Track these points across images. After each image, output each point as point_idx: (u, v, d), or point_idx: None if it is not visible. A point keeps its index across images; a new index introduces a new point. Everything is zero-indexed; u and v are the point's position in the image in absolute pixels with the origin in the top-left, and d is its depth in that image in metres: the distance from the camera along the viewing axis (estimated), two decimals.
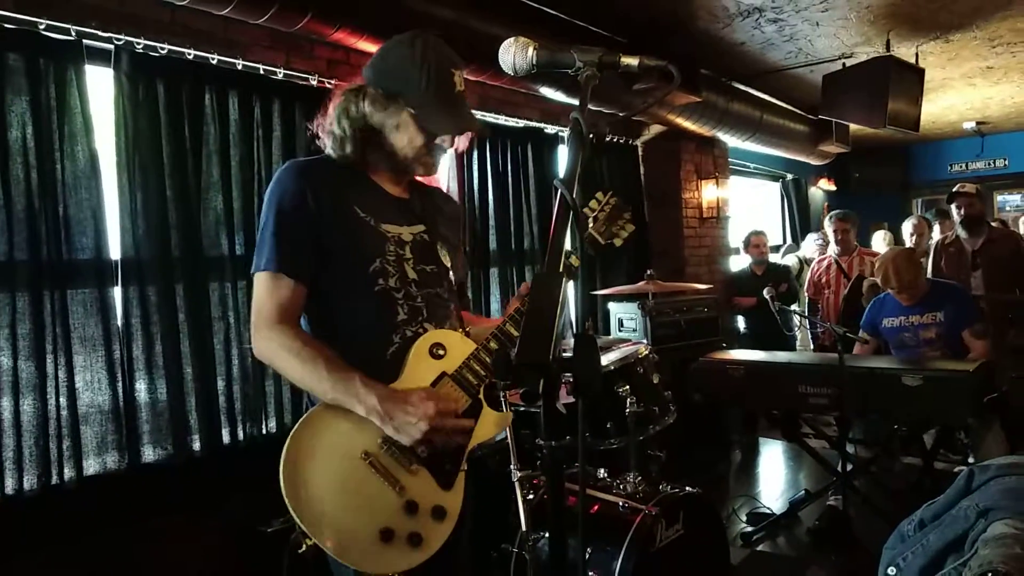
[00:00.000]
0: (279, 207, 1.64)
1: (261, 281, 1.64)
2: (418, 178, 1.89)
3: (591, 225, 1.93)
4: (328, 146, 1.75)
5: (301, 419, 1.58)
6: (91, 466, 2.92)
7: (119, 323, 2.99)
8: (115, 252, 2.99)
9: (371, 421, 1.56)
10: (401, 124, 1.69)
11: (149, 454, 3.09)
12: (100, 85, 3.00)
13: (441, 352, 1.68)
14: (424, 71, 1.65)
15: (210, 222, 3.29)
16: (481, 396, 1.70)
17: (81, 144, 2.86)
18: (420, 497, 1.60)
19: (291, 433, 1.56)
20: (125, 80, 2.97)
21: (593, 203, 1.96)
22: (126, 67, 2.97)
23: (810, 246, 7.24)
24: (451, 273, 1.83)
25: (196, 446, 3.22)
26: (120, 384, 2.98)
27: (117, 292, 3.00)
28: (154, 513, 3.02)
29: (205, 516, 3.15)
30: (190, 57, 3.15)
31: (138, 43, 2.99)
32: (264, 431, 3.46)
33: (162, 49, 3.07)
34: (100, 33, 2.89)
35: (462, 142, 1.82)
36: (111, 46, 2.93)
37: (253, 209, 3.41)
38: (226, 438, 3.34)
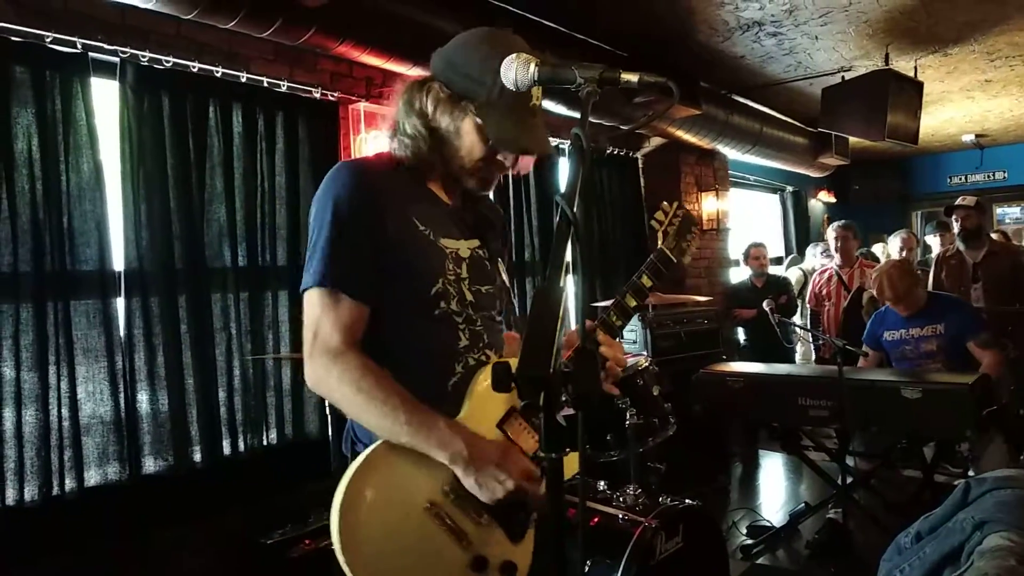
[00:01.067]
0: (336, 213, 1.44)
1: (316, 299, 1.43)
2: None
3: (661, 240, 1.77)
4: (397, 147, 1.55)
5: (358, 463, 1.38)
6: (92, 477, 2.93)
7: (122, 334, 3.01)
8: (119, 263, 3.02)
9: (436, 466, 1.39)
10: (463, 130, 1.51)
11: (150, 465, 3.09)
12: (105, 97, 3.03)
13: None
14: (490, 62, 1.43)
15: (213, 234, 3.31)
16: None
17: (86, 156, 2.88)
18: (488, 551, 1.44)
19: (347, 479, 1.36)
20: (130, 92, 3.00)
21: (660, 215, 1.80)
22: (131, 80, 3.00)
23: (814, 258, 7.25)
24: (505, 295, 1.67)
25: (197, 457, 3.23)
26: (122, 395, 2.99)
27: (120, 303, 3.02)
28: (155, 524, 3.02)
29: (205, 527, 3.15)
30: (195, 70, 3.18)
31: (143, 56, 3.02)
32: (265, 442, 3.46)
33: (167, 62, 3.09)
34: (105, 46, 2.92)
35: (525, 164, 1.65)
36: (116, 59, 2.97)
37: (256, 221, 3.44)
38: (227, 449, 3.34)
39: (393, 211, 1.48)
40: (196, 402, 3.21)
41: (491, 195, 1.77)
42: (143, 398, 3.08)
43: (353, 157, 1.58)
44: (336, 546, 1.32)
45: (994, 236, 5.86)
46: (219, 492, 3.23)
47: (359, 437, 1.54)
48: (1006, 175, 9.47)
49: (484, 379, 1.49)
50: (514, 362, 1.50)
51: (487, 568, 1.43)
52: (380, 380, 1.41)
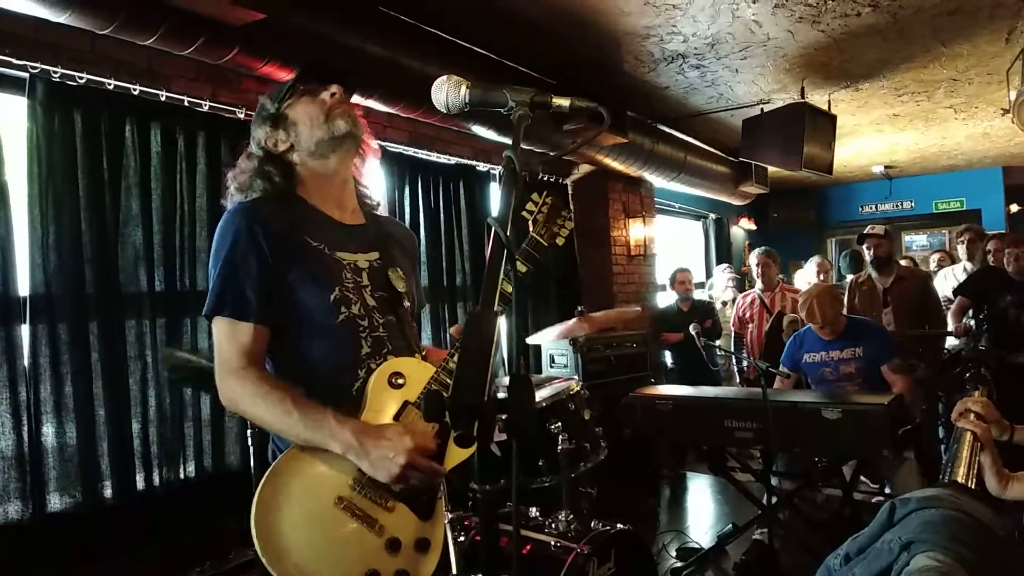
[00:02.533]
0: (230, 248, 1.59)
1: (219, 327, 1.59)
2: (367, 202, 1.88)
3: (531, 228, 1.88)
4: (252, 188, 1.73)
5: (268, 471, 1.50)
6: None
7: (26, 363, 2.83)
8: (23, 288, 2.84)
9: (341, 464, 1.51)
10: (292, 118, 1.72)
11: (56, 502, 2.90)
12: (13, 114, 2.87)
13: (400, 381, 1.62)
14: (279, 86, 1.77)
15: (128, 257, 3.17)
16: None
17: None
18: (401, 533, 1.55)
19: (258, 489, 1.47)
20: (40, 109, 2.86)
21: (530, 205, 1.90)
22: (41, 96, 2.86)
23: (723, 279, 7.49)
24: (406, 300, 1.78)
25: (108, 493, 3.05)
26: (26, 428, 2.81)
27: (25, 330, 2.84)
28: (61, 565, 2.83)
29: (117, 568, 2.97)
30: (110, 87, 3.06)
31: (55, 72, 2.89)
32: (183, 475, 3.30)
33: (80, 79, 2.96)
34: (14, 61, 2.78)
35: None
36: (25, 74, 2.82)
37: (175, 244, 3.31)
38: (140, 484, 3.17)
39: (282, 237, 1.62)
40: (107, 434, 3.04)
41: (408, 224, 1.87)
42: (49, 431, 2.89)
43: (238, 202, 1.70)
44: (257, 549, 1.42)
45: (903, 262, 6.16)
46: (132, 529, 3.05)
47: (279, 447, 1.65)
48: (913, 204, 10.01)
49: (378, 377, 1.61)
50: (416, 366, 1.64)
51: (401, 548, 1.54)
52: (275, 387, 1.54)
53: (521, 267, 1.77)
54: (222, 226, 1.63)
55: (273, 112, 1.74)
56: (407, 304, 1.78)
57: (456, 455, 1.63)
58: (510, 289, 1.74)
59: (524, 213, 1.91)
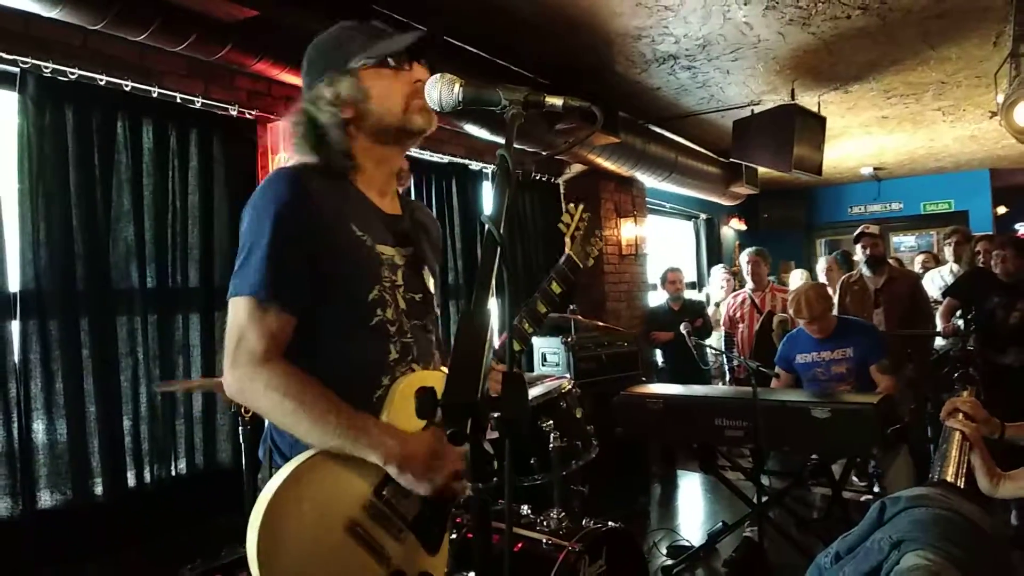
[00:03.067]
0: (275, 220, 1.40)
1: (243, 308, 1.40)
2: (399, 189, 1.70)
3: (569, 245, 1.79)
4: (317, 152, 1.51)
5: (278, 480, 1.34)
6: None
7: (16, 359, 2.82)
8: (14, 284, 2.83)
9: (359, 480, 1.40)
10: (371, 86, 1.50)
11: (46, 499, 2.89)
12: (3, 110, 2.86)
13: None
14: (351, 30, 1.55)
15: (120, 253, 3.16)
16: None
17: None
18: (407, 565, 1.45)
19: (266, 496, 1.32)
20: (31, 105, 2.85)
21: (566, 217, 1.80)
22: (32, 92, 2.85)
23: (716, 281, 7.55)
24: (435, 303, 1.66)
25: (98, 490, 3.04)
26: (16, 424, 2.80)
27: (15, 326, 2.83)
28: (51, 562, 2.82)
29: (107, 565, 2.97)
30: (102, 83, 3.05)
31: (46, 67, 2.87)
32: (173, 473, 3.30)
33: (72, 74, 2.95)
34: (5, 56, 2.77)
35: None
36: (16, 69, 2.81)
37: (166, 240, 3.30)
38: (131, 481, 3.16)
39: (331, 218, 1.45)
40: (98, 431, 3.03)
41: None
42: (39, 427, 2.88)
43: (281, 167, 1.53)
44: (253, 566, 1.28)
45: (891, 263, 6.20)
46: (122, 527, 3.04)
47: (279, 447, 1.49)
48: (902, 206, 10.07)
49: (404, 390, 1.48)
50: (427, 376, 1.54)
51: None
52: (308, 385, 1.38)
53: (556, 288, 1.69)
54: (265, 191, 1.44)
55: (345, 68, 1.50)
56: (433, 305, 1.66)
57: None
58: (544, 310, 1.69)
59: (560, 226, 1.82)
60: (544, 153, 5.01)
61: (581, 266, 1.80)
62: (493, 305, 1.04)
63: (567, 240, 1.81)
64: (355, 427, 1.38)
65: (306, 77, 1.59)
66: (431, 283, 1.65)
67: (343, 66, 1.51)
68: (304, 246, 1.41)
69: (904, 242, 10.42)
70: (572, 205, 1.84)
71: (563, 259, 1.78)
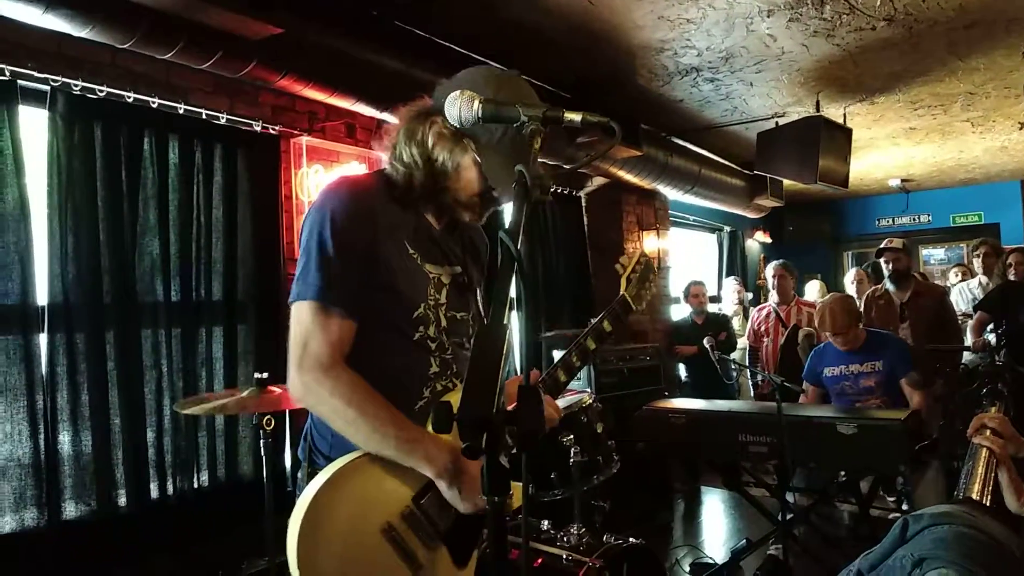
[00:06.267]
0: (334, 228, 1.45)
1: (307, 313, 1.45)
2: None
3: (624, 287, 1.83)
4: (391, 171, 1.57)
5: (321, 481, 1.40)
6: (7, 523, 2.75)
7: (43, 371, 2.86)
8: (42, 298, 2.88)
9: (402, 486, 1.45)
10: (462, 166, 1.53)
11: (71, 510, 2.93)
12: (34, 126, 2.92)
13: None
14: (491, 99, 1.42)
15: (145, 267, 3.21)
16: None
17: (11, 185, 2.76)
18: (435, 575, 1.49)
19: (309, 496, 1.38)
20: (60, 122, 2.91)
21: (625, 260, 1.85)
22: (62, 109, 2.91)
23: (728, 293, 7.51)
24: (477, 323, 1.70)
25: (122, 501, 3.07)
26: (42, 436, 2.83)
27: (43, 339, 2.88)
28: (75, 573, 2.86)
29: None
30: (130, 100, 3.10)
31: (76, 85, 2.93)
32: (196, 485, 3.32)
33: (100, 91, 3.01)
34: (36, 74, 2.83)
35: None
36: (47, 87, 2.87)
37: (191, 255, 3.34)
38: (155, 493, 3.19)
39: (386, 233, 1.51)
40: (122, 443, 3.07)
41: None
42: (65, 439, 2.92)
43: (344, 176, 1.59)
44: (292, 562, 1.33)
45: (918, 277, 6.11)
46: (146, 538, 3.07)
47: (318, 448, 1.56)
48: (930, 218, 9.93)
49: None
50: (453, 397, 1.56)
51: None
52: (370, 395, 1.44)
53: (607, 326, 1.73)
54: (325, 201, 1.49)
55: (461, 143, 1.51)
56: (474, 325, 1.70)
57: (517, 497, 1.53)
58: (593, 346, 1.72)
59: (617, 267, 1.86)
60: (565, 167, 5.02)
61: (634, 308, 1.85)
62: (511, 319, 1.03)
63: (623, 281, 1.84)
64: (412, 440, 1.43)
65: (442, 102, 1.47)
66: (475, 303, 1.70)
67: (478, 136, 1.49)
68: (363, 255, 1.47)
69: (934, 255, 10.27)
70: (631, 249, 1.87)
71: (617, 299, 1.82)
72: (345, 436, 1.47)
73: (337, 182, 1.55)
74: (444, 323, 1.59)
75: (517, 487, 1.51)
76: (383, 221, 1.51)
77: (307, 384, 1.45)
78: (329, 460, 1.48)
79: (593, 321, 1.79)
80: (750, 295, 7.81)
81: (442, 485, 1.44)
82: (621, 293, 1.82)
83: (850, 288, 6.42)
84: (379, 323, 1.51)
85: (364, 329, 1.50)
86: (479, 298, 1.71)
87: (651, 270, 1.88)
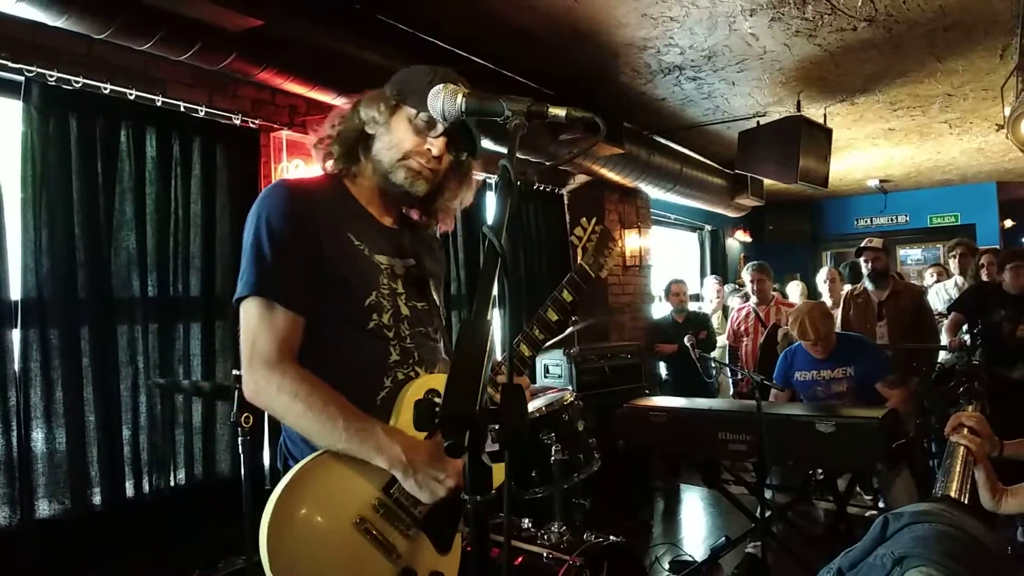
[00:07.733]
0: (270, 226, 1.47)
1: (252, 310, 1.46)
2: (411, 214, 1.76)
3: (580, 256, 1.81)
4: (327, 152, 1.63)
5: (288, 478, 1.38)
6: None
7: (16, 367, 2.81)
8: (15, 292, 2.83)
9: (369, 479, 1.44)
10: (393, 124, 1.58)
11: (45, 509, 2.88)
12: (8, 117, 2.86)
13: (437, 399, 1.51)
14: (431, 74, 1.53)
15: (121, 262, 3.16)
16: None
17: None
18: (417, 564, 1.47)
19: (276, 494, 1.36)
20: (35, 113, 2.85)
21: (579, 231, 1.83)
22: (37, 100, 2.85)
23: (709, 292, 7.56)
24: (439, 312, 1.72)
25: (96, 500, 3.03)
26: (15, 433, 2.79)
27: (16, 334, 2.82)
28: (48, 572, 2.81)
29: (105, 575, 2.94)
30: (106, 91, 3.05)
31: (51, 75, 2.88)
32: (172, 483, 3.28)
33: (76, 83, 2.96)
34: (10, 64, 2.77)
35: (467, 197, 1.73)
36: (21, 78, 2.82)
37: (168, 250, 3.30)
38: (130, 491, 3.15)
39: (327, 227, 1.53)
40: (97, 440, 3.02)
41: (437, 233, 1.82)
42: (38, 436, 2.87)
43: (282, 178, 1.63)
44: (265, 562, 1.31)
45: (894, 276, 6.17)
46: (121, 537, 3.03)
47: (292, 454, 1.55)
48: (908, 218, 10.04)
49: (414, 391, 1.54)
50: (434, 380, 1.57)
51: None
52: (317, 388, 1.44)
53: (567, 296, 1.72)
54: (263, 201, 1.52)
55: (393, 103, 1.59)
56: (439, 315, 1.71)
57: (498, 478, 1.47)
58: (555, 317, 1.71)
59: (573, 239, 1.85)
60: (548, 163, 5.01)
61: (593, 275, 1.82)
62: (494, 316, 1.02)
63: (578, 251, 1.83)
64: (362, 431, 1.42)
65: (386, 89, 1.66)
66: (436, 295, 1.71)
67: (392, 99, 1.60)
68: (302, 250, 1.48)
69: (911, 255, 10.39)
70: (584, 220, 1.86)
71: (575, 268, 1.79)
72: (300, 432, 1.48)
73: (276, 182, 1.59)
74: (405, 311, 1.60)
75: (498, 467, 1.49)
76: (323, 218, 1.53)
77: (257, 382, 1.45)
78: None
79: (554, 293, 1.77)
80: (729, 287, 7.84)
81: (398, 474, 1.44)
82: (579, 262, 1.80)
83: (823, 287, 6.47)
84: (331, 316, 1.52)
85: (316, 325, 1.51)
86: (436, 291, 1.72)
87: (608, 237, 1.85)
